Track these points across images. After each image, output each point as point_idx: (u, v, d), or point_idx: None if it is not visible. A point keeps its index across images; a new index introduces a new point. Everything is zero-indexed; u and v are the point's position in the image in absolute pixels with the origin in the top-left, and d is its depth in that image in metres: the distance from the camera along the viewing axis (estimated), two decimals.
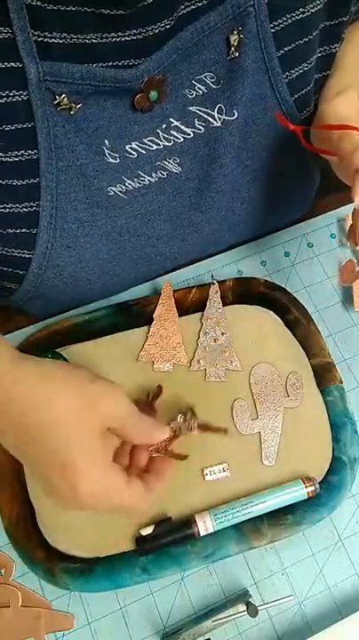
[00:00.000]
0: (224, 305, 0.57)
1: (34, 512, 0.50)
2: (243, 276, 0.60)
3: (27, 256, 0.49)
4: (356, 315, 0.60)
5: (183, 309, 0.57)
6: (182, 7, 0.41)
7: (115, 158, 0.46)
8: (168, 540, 0.48)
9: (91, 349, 0.55)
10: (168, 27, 0.41)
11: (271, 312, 0.57)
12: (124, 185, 0.48)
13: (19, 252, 0.49)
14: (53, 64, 0.40)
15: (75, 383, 0.38)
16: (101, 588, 0.48)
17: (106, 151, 0.46)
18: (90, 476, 0.37)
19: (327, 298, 0.61)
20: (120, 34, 0.40)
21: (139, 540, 0.48)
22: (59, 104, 0.41)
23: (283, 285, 0.59)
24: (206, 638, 0.47)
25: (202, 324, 0.56)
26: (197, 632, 0.47)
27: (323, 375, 0.55)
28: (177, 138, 0.48)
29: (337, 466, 0.52)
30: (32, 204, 0.45)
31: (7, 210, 0.45)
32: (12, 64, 0.39)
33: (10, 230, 0.47)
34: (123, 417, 0.39)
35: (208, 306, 0.57)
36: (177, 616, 0.49)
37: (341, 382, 0.55)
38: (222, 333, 0.56)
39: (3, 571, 0.51)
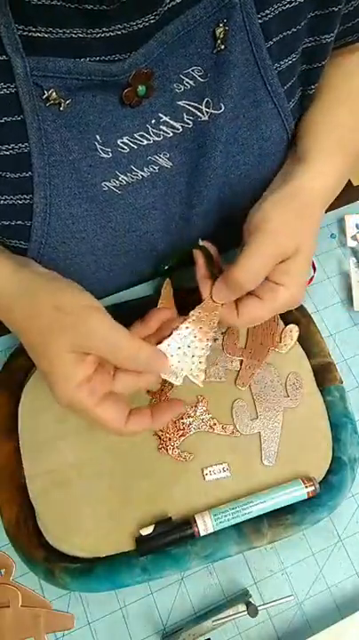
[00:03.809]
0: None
1: (34, 512, 0.50)
2: None
3: (24, 246, 0.49)
4: (356, 315, 0.60)
5: (183, 309, 0.57)
6: (167, 1, 0.41)
7: (107, 153, 0.46)
8: (168, 539, 0.48)
9: None
10: (152, 22, 0.41)
11: None
12: (118, 180, 0.48)
13: (15, 243, 0.49)
14: (40, 59, 0.40)
15: (50, 308, 0.42)
16: (101, 588, 0.48)
17: (98, 146, 0.45)
18: (59, 391, 0.42)
19: (327, 298, 0.61)
20: (105, 29, 0.40)
21: (139, 540, 0.48)
22: (47, 99, 0.41)
23: None
24: (206, 638, 0.47)
25: None
26: (197, 632, 0.47)
27: (323, 375, 0.55)
28: (166, 133, 0.47)
29: (337, 466, 0.52)
30: (26, 196, 0.46)
31: (1, 202, 0.46)
32: None
33: (4, 222, 0.47)
34: (95, 347, 0.41)
35: None
36: (177, 616, 0.49)
37: (341, 382, 0.55)
38: (222, 333, 0.56)
39: (3, 571, 0.51)
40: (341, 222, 0.64)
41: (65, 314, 0.42)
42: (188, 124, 0.48)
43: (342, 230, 0.64)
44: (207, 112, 0.47)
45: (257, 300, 0.45)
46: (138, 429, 0.43)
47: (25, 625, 0.49)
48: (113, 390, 0.43)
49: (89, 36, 0.40)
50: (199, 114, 0.47)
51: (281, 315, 0.57)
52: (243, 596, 0.49)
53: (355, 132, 0.52)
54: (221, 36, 0.44)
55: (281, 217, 0.45)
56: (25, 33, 0.39)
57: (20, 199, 0.46)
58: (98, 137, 0.45)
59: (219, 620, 0.47)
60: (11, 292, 0.44)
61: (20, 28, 0.38)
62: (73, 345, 0.41)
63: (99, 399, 0.42)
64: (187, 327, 0.46)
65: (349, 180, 0.73)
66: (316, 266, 0.61)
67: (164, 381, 0.54)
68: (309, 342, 0.56)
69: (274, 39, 0.46)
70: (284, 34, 0.46)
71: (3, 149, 0.43)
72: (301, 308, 0.57)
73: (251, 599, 0.48)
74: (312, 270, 0.61)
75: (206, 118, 0.47)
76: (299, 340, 0.56)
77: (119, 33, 0.41)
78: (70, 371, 0.41)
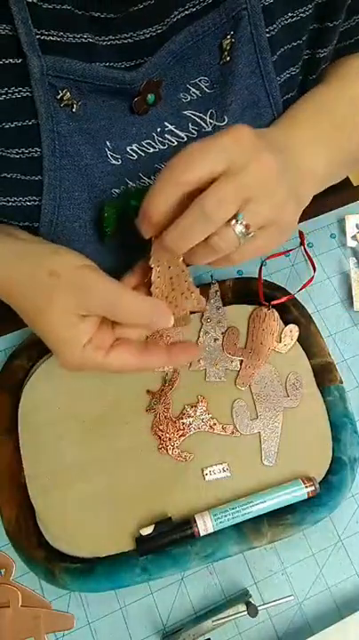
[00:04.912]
0: (224, 304, 0.57)
1: (34, 512, 0.50)
2: (243, 276, 0.60)
3: None
4: (356, 315, 0.60)
5: None
6: (176, 13, 0.41)
7: (117, 160, 0.46)
8: (168, 539, 0.48)
9: None
10: (159, 31, 0.41)
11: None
12: (127, 187, 0.48)
13: None
14: (56, 59, 0.40)
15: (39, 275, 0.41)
16: (101, 587, 0.48)
17: (108, 152, 0.46)
18: (65, 358, 0.41)
19: (327, 298, 0.61)
20: (111, 37, 0.40)
21: (139, 541, 0.48)
22: (61, 99, 0.41)
23: (282, 285, 0.59)
24: (206, 638, 0.47)
25: (202, 324, 0.56)
26: (197, 632, 0.47)
27: (323, 375, 0.55)
28: (171, 142, 0.48)
29: (337, 466, 0.52)
30: (35, 198, 0.46)
31: (10, 203, 0.46)
32: (12, 60, 0.39)
33: (12, 222, 0.47)
34: (95, 306, 0.40)
35: (208, 306, 0.57)
36: (177, 616, 0.49)
37: (341, 382, 0.55)
38: (222, 333, 0.56)
39: (3, 571, 0.51)
40: (341, 222, 0.64)
41: (59, 277, 0.40)
42: (193, 134, 0.48)
43: (342, 230, 0.64)
44: (211, 123, 0.47)
45: None
46: (155, 363, 0.42)
47: (25, 625, 0.49)
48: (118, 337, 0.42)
49: (96, 42, 0.40)
50: (203, 124, 0.47)
51: (281, 315, 0.57)
52: (243, 596, 0.49)
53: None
54: (227, 47, 0.44)
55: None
56: (37, 36, 0.39)
57: (29, 201, 0.46)
58: (108, 143, 0.45)
59: (219, 620, 0.47)
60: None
61: (33, 30, 0.39)
62: (72, 307, 0.40)
63: (106, 351, 0.41)
64: (158, 277, 0.43)
65: (349, 180, 0.73)
66: (316, 266, 0.61)
67: (164, 381, 0.54)
68: (309, 342, 0.56)
69: (278, 52, 0.46)
70: (288, 46, 0.46)
71: (14, 153, 0.43)
72: (301, 308, 0.57)
73: (251, 599, 0.48)
74: (312, 270, 0.61)
75: (210, 129, 0.47)
76: (299, 339, 0.56)
77: (126, 42, 0.41)
78: (73, 335, 0.40)
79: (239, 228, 0.37)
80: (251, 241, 0.38)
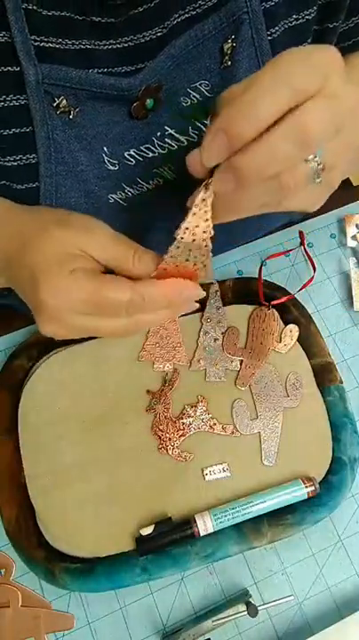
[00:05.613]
0: (224, 305, 0.57)
1: (34, 512, 0.50)
2: (243, 276, 0.60)
3: None
4: (356, 315, 0.60)
5: None
6: (176, 15, 0.41)
7: (114, 165, 0.46)
8: (168, 539, 0.48)
9: (92, 349, 0.55)
10: (159, 34, 0.41)
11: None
12: (124, 192, 0.48)
13: None
14: (52, 67, 0.40)
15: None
16: (101, 588, 0.48)
17: (105, 158, 0.46)
18: (48, 287, 0.34)
19: (327, 298, 0.61)
20: (112, 41, 0.40)
21: (139, 541, 0.48)
22: (58, 106, 0.41)
23: (282, 285, 0.59)
24: (206, 638, 0.47)
25: (202, 324, 0.56)
26: (197, 632, 0.47)
27: (323, 375, 0.55)
28: (171, 146, 0.47)
29: (337, 466, 0.52)
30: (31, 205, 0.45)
31: None
32: (9, 68, 0.39)
33: None
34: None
35: (208, 306, 0.57)
36: (177, 616, 0.49)
37: (341, 382, 0.55)
38: (222, 333, 0.56)
39: (3, 571, 0.51)
40: (341, 222, 0.64)
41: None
42: (193, 137, 0.48)
43: (342, 230, 0.64)
44: None
45: None
46: (149, 265, 0.36)
47: (25, 625, 0.49)
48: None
49: (97, 47, 0.40)
50: (204, 128, 0.47)
51: (281, 315, 0.57)
52: (243, 596, 0.49)
53: None
54: (229, 51, 0.43)
55: None
56: (36, 43, 0.39)
57: None
58: (105, 149, 0.45)
59: (219, 619, 0.47)
60: None
61: (32, 38, 0.38)
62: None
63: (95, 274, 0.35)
64: (182, 238, 0.38)
65: (349, 180, 0.73)
66: (316, 266, 0.61)
67: (164, 381, 0.54)
68: (309, 342, 0.56)
69: None
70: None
71: (11, 160, 0.43)
72: (301, 308, 0.57)
73: (251, 599, 0.48)
74: (312, 270, 0.61)
75: None
76: (299, 339, 0.56)
77: (126, 45, 0.41)
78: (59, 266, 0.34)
79: (314, 165, 0.30)
80: (314, 187, 0.32)
